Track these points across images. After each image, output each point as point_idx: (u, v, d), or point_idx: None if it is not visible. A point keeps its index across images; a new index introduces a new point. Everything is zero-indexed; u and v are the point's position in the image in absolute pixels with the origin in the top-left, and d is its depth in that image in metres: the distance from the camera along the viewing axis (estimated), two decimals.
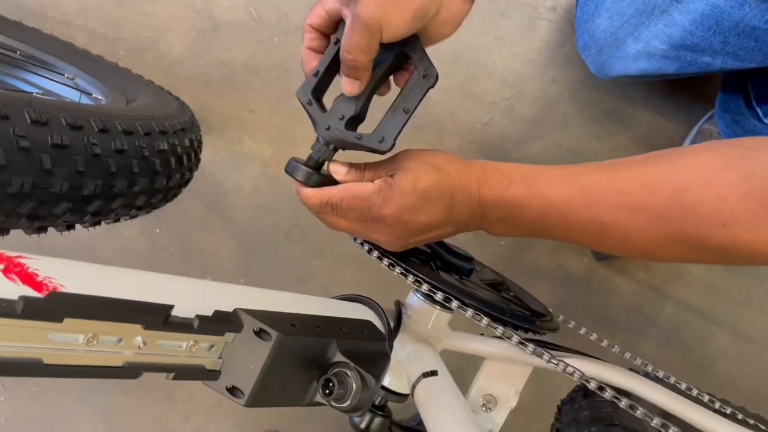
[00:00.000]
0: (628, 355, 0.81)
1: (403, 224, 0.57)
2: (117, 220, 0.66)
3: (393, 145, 0.58)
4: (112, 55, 1.09)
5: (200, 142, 0.82)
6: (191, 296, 0.49)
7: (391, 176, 0.56)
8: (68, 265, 0.41)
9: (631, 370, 0.83)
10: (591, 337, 0.81)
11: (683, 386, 0.77)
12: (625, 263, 1.09)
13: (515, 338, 0.60)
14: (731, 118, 0.88)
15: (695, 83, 1.10)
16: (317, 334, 0.52)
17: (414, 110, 0.58)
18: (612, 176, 0.53)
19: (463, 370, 0.84)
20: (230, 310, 0.48)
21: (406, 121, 0.57)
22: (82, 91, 0.89)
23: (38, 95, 0.87)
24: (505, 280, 0.80)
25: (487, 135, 1.11)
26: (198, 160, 0.81)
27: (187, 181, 0.78)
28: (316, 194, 0.59)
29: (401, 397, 0.70)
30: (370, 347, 0.57)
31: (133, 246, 1.10)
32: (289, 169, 0.59)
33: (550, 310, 0.78)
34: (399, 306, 0.70)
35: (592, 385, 0.61)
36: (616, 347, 0.81)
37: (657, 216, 0.50)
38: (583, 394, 0.74)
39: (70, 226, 0.60)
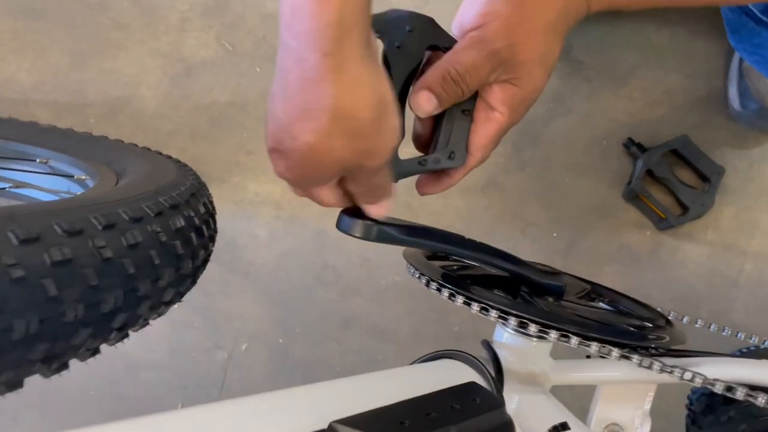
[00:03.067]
0: (741, 335, 0.71)
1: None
2: (146, 325, 0.55)
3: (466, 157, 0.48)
4: (83, 125, 0.98)
5: (212, 203, 0.71)
6: (274, 417, 0.39)
7: (512, 83, 0.47)
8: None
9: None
10: (696, 325, 0.71)
11: None
12: (691, 227, 0.98)
13: (656, 366, 0.49)
14: (750, 45, 0.77)
15: (713, 15, 0.99)
16: (433, 426, 0.42)
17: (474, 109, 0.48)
18: None
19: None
20: (324, 424, 0.38)
21: (470, 123, 0.47)
22: (61, 175, 0.77)
23: (11, 190, 0.75)
24: (592, 284, 0.70)
25: None
26: (215, 224, 0.69)
27: (210, 253, 0.67)
28: None
29: None
30: (492, 420, 0.46)
31: (153, 330, 0.98)
32: (344, 227, 0.48)
33: (660, 309, 0.67)
34: (490, 348, 0.59)
35: (739, 395, 0.50)
36: (726, 330, 0.71)
37: None
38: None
39: (95, 351, 0.48)
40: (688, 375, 0.48)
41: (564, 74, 1.00)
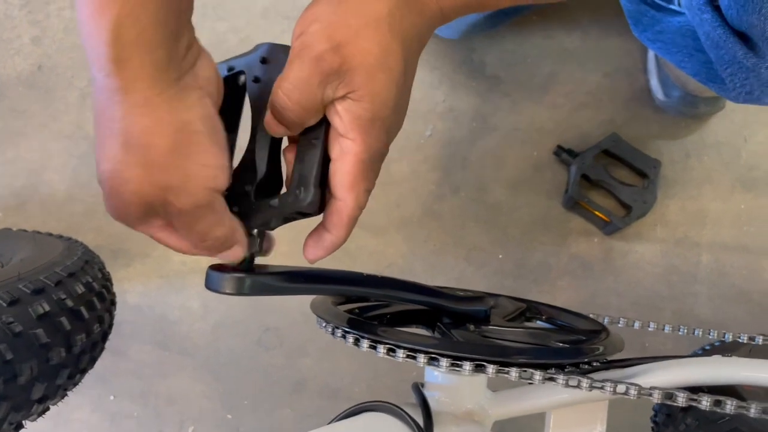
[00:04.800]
0: (698, 332, 0.66)
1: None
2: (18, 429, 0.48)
3: (316, 193, 0.42)
4: None
5: (105, 279, 0.65)
6: None
7: (352, 99, 0.40)
8: None
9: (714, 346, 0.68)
10: (649, 329, 0.66)
11: None
12: (638, 227, 0.94)
13: (585, 383, 0.43)
14: (652, 33, 0.74)
15: (621, 10, 0.97)
16: None
17: (324, 136, 0.42)
18: None
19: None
20: None
21: (322, 153, 0.42)
22: None
23: None
24: (528, 303, 0.64)
25: (436, 147, 0.96)
26: (111, 301, 0.64)
27: (105, 335, 0.60)
28: None
29: None
30: None
31: (89, 428, 0.90)
32: (212, 284, 0.43)
33: (593, 316, 0.62)
34: (419, 391, 0.53)
35: (680, 401, 0.43)
36: (682, 330, 0.65)
37: None
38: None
39: None
40: (621, 388, 0.43)
41: (483, 91, 0.97)
